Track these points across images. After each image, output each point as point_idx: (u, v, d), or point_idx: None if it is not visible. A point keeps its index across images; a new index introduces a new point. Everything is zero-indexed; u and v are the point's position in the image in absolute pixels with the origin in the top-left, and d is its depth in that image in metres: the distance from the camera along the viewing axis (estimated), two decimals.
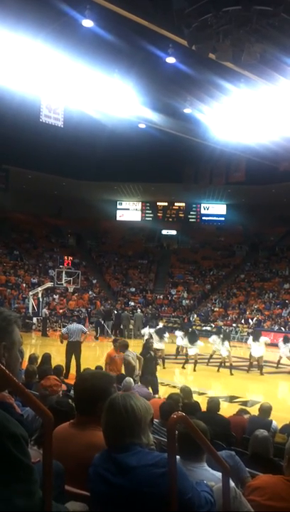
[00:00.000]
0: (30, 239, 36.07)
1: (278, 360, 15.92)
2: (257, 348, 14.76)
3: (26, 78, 16.41)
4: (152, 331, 16.12)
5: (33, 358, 8.64)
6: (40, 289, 26.81)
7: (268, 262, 34.70)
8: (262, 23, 9.48)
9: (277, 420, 6.37)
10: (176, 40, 13.09)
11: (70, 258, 28.13)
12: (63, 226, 38.76)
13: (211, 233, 38.99)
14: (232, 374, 14.40)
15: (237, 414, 6.58)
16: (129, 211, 40.24)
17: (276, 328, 25.83)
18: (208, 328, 25.79)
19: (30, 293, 26.69)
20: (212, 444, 2.56)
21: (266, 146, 21.37)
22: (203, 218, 39.77)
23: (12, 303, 27.26)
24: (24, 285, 29.73)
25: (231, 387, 12.97)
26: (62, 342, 13.01)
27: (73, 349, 12.26)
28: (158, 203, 39.78)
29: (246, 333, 24.65)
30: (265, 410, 6.25)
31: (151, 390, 9.32)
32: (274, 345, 17.35)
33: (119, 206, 40.08)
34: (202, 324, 28.20)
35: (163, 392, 9.82)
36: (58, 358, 11.60)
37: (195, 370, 14.79)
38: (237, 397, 11.25)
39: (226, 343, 14.92)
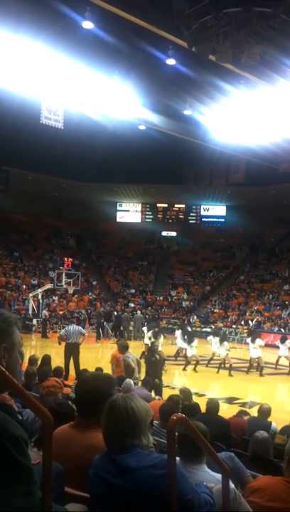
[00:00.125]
0: (30, 240, 36.07)
1: (277, 361, 15.93)
2: (253, 350, 14.90)
3: (26, 80, 16.42)
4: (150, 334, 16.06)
5: (32, 360, 8.63)
6: (40, 290, 26.80)
7: (268, 264, 34.70)
8: (262, 25, 9.48)
9: (277, 421, 6.37)
10: (176, 42, 13.10)
11: (70, 259, 28.15)
12: (63, 227, 38.78)
13: (211, 234, 39.00)
14: (231, 375, 14.40)
15: (236, 415, 6.58)
16: (129, 212, 40.25)
17: (276, 329, 25.83)
18: (208, 330, 25.75)
19: (30, 294, 26.68)
20: (212, 446, 2.56)
21: (266, 148, 21.39)
22: (203, 220, 39.77)
23: (12, 304, 27.25)
24: (24, 287, 29.71)
25: (230, 388, 12.97)
26: (60, 343, 13.01)
27: (71, 351, 12.25)
28: (158, 205, 39.79)
29: (246, 335, 24.63)
30: (264, 412, 6.24)
31: (153, 393, 9.29)
32: (273, 346, 17.36)
33: (119, 208, 40.09)
34: (202, 326, 28.20)
35: (163, 394, 9.81)
36: (58, 360, 11.60)
37: (195, 370, 14.78)
38: (237, 399, 11.24)
39: (225, 343, 14.96)
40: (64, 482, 2.01)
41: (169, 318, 30.49)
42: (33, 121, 18.97)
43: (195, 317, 30.44)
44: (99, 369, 8.20)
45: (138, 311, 28.58)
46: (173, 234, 40.18)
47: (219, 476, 2.40)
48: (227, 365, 14.81)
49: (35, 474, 1.40)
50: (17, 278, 30.60)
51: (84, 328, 23.95)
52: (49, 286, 27.41)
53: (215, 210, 39.32)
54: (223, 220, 39.26)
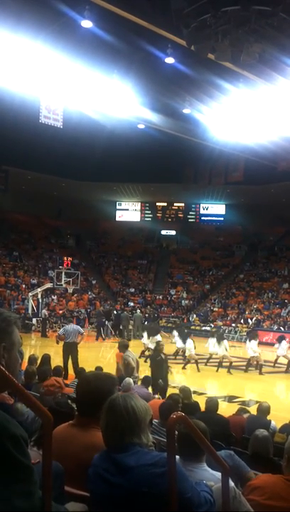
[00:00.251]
0: (29, 240, 36.06)
1: (276, 360, 15.96)
2: (249, 350, 14.99)
3: (26, 79, 16.41)
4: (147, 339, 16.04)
5: (32, 359, 8.64)
6: (39, 289, 26.82)
7: (267, 262, 34.72)
8: (261, 23, 9.49)
9: (276, 420, 6.38)
10: (175, 41, 13.09)
11: (70, 259, 28.18)
12: (63, 227, 38.77)
13: (210, 233, 39.00)
14: (230, 373, 14.43)
15: (236, 413, 6.58)
16: (129, 211, 40.23)
17: (276, 327, 25.85)
18: (207, 329, 25.78)
19: (30, 294, 26.69)
20: (212, 444, 2.56)
21: (265, 146, 21.39)
22: (202, 218, 39.75)
23: (12, 304, 27.25)
24: (24, 286, 29.71)
25: (230, 386, 12.98)
26: (57, 343, 13.00)
27: (70, 350, 12.26)
28: (158, 204, 39.78)
29: (245, 333, 24.66)
30: (264, 410, 6.25)
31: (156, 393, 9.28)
32: (273, 344, 17.38)
33: (118, 207, 40.07)
34: (202, 324, 28.21)
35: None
36: (58, 359, 11.59)
37: (198, 370, 14.76)
38: (236, 397, 11.25)
39: (224, 343, 14.98)
40: (64, 481, 2.01)
41: (169, 317, 30.50)
42: (32, 120, 18.98)
43: (195, 316, 30.45)
44: (99, 368, 8.20)
45: (138, 310, 28.59)
46: (173, 233, 40.18)
47: (219, 474, 2.40)
48: (227, 363, 14.82)
49: (35, 473, 1.40)
50: (16, 277, 30.61)
51: (83, 327, 24.08)
52: (48, 285, 27.42)
53: (214, 209, 39.31)
54: (222, 218, 39.25)
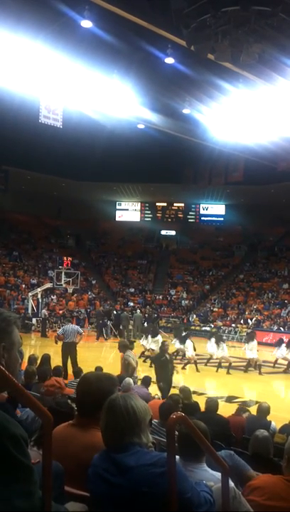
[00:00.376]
0: (29, 240, 36.06)
1: (275, 361, 15.98)
2: (248, 352, 15.00)
3: (25, 79, 16.41)
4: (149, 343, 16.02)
5: (32, 359, 8.64)
6: (39, 289, 26.82)
7: (267, 262, 34.72)
8: (261, 24, 9.48)
9: (276, 420, 6.38)
10: (175, 41, 13.09)
11: (70, 259, 28.15)
12: (62, 227, 38.76)
13: (210, 233, 39.00)
14: (229, 373, 14.43)
15: (235, 413, 6.57)
16: (128, 211, 40.23)
17: (276, 328, 25.85)
18: (207, 329, 25.78)
19: (30, 294, 26.69)
20: (212, 445, 2.56)
21: (265, 146, 21.40)
22: (202, 218, 39.76)
23: (11, 304, 27.26)
24: (23, 286, 29.72)
25: (230, 387, 12.99)
26: (56, 343, 13.01)
27: (68, 350, 12.27)
28: (157, 204, 39.78)
29: (245, 333, 24.67)
30: (264, 410, 6.25)
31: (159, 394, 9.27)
32: (272, 345, 17.41)
33: (118, 207, 40.07)
34: (202, 325, 28.21)
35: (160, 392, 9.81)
36: (57, 359, 11.60)
37: (197, 370, 14.76)
38: (236, 397, 11.25)
39: (222, 346, 14.97)
40: (64, 481, 2.01)
41: (168, 317, 30.51)
42: (32, 120, 18.97)
43: (195, 316, 30.45)
44: (99, 368, 8.21)
45: (138, 310, 28.59)
46: (172, 233, 40.18)
47: (218, 474, 2.40)
48: (226, 364, 14.82)
49: (35, 473, 1.40)
50: (16, 277, 30.61)
51: (83, 327, 24.07)
52: (48, 285, 27.42)
53: (214, 209, 39.32)
54: (222, 218, 39.26)
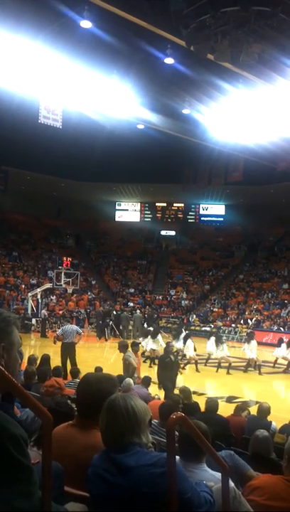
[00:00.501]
0: (29, 240, 36.06)
1: (275, 361, 15.98)
2: (248, 351, 14.97)
3: (25, 79, 16.41)
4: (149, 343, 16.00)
5: (32, 359, 8.64)
6: (39, 290, 26.81)
7: (267, 262, 34.72)
8: (260, 24, 9.49)
9: (276, 420, 6.38)
10: (174, 41, 13.10)
11: (69, 259, 28.14)
12: (62, 227, 38.76)
13: (210, 234, 39.00)
14: (229, 373, 14.43)
15: (235, 413, 6.55)
16: (128, 212, 40.24)
17: (275, 328, 25.84)
18: (207, 329, 25.77)
19: (29, 294, 26.68)
20: (212, 445, 2.56)
21: (265, 147, 21.40)
22: (202, 219, 39.76)
23: (11, 304, 27.25)
24: (23, 286, 29.71)
25: (230, 387, 12.98)
26: (55, 343, 13.00)
27: (68, 350, 12.27)
28: (157, 204, 39.78)
29: (245, 334, 24.68)
30: (264, 410, 6.24)
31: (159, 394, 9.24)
32: (272, 345, 17.41)
33: (117, 207, 40.07)
34: (202, 325, 28.20)
35: (164, 393, 9.80)
36: (57, 359, 11.60)
37: (197, 370, 14.74)
38: (236, 397, 11.24)
39: (222, 346, 14.95)
40: (63, 481, 2.01)
41: (168, 317, 30.51)
42: (31, 120, 18.98)
43: (195, 316, 30.45)
44: (98, 368, 8.20)
45: (138, 311, 28.59)
46: (172, 233, 40.18)
47: (219, 475, 2.40)
48: (226, 364, 14.80)
49: (35, 474, 1.40)
50: (16, 277, 30.60)
51: (83, 327, 24.06)
52: (48, 285, 27.41)
53: (214, 209, 39.32)
54: (222, 219, 39.27)
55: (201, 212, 39.67)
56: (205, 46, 10.27)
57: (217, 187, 31.66)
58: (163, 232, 40.22)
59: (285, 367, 15.58)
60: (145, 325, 22.96)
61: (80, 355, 12.66)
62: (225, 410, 6.91)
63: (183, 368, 15.08)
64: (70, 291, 27.33)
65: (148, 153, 26.45)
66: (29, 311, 25.65)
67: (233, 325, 28.00)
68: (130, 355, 9.61)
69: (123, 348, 9.74)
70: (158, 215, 40.14)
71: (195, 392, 9.83)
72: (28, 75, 16.16)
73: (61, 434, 2.25)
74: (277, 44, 11.18)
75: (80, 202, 36.30)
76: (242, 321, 28.30)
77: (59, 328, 16.62)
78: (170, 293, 34.34)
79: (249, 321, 27.78)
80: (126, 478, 1.72)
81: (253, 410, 7.04)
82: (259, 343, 16.25)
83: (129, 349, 9.86)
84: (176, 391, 8.43)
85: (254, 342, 15.16)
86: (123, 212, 40.23)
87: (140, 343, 12.85)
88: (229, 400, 10.94)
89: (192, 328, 26.06)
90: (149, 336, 15.85)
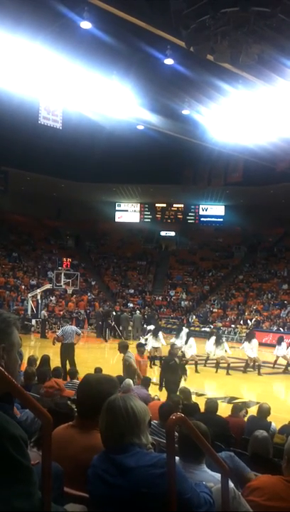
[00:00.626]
0: (29, 241, 36.06)
1: (275, 361, 15.97)
2: (249, 350, 14.94)
3: (25, 80, 16.42)
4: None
5: (32, 360, 8.63)
6: (39, 290, 26.79)
7: (266, 263, 34.73)
8: (260, 24, 9.49)
9: (276, 420, 6.38)
10: (174, 42, 13.10)
11: (69, 260, 28.13)
12: (62, 228, 38.76)
13: (209, 234, 39.01)
14: (228, 374, 14.42)
15: (232, 414, 6.54)
16: (128, 212, 40.24)
17: (275, 328, 25.85)
18: (207, 330, 25.76)
19: (29, 295, 26.66)
20: (212, 446, 2.56)
21: (264, 147, 21.40)
22: (202, 219, 39.77)
23: (11, 305, 27.24)
24: (23, 287, 29.70)
25: (229, 387, 12.98)
26: (54, 344, 12.98)
27: (67, 351, 12.27)
28: (157, 205, 39.79)
29: (244, 334, 24.67)
30: (264, 411, 6.24)
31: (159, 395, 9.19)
32: (272, 345, 17.40)
33: (117, 208, 40.07)
34: (201, 325, 28.20)
35: (164, 394, 9.79)
36: (57, 360, 11.60)
37: (197, 371, 14.73)
38: (236, 398, 11.24)
39: (224, 344, 14.94)
40: (63, 482, 2.01)
41: (168, 318, 30.50)
42: (31, 121, 18.99)
43: (194, 317, 30.45)
44: (98, 369, 8.20)
45: (137, 311, 28.58)
46: (172, 234, 40.18)
47: (218, 476, 2.40)
48: (225, 365, 14.78)
49: (35, 474, 1.40)
50: (16, 278, 30.60)
51: (82, 328, 24.05)
52: (48, 286, 27.39)
53: (214, 210, 39.33)
54: (222, 219, 39.27)
55: (201, 212, 39.68)
56: (204, 47, 10.27)
57: (217, 188, 31.69)
58: (162, 233, 40.22)
59: (284, 367, 15.57)
60: (145, 325, 22.97)
61: (80, 356, 12.65)
62: (225, 411, 6.91)
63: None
64: (69, 291, 27.31)
65: (148, 153, 26.47)
66: (29, 312, 25.63)
67: (233, 325, 28.01)
68: (130, 356, 9.59)
69: (123, 348, 9.72)
70: (157, 215, 40.15)
71: (194, 393, 9.83)
72: (28, 75, 16.17)
73: (61, 435, 2.25)
74: (277, 45, 11.19)
75: (80, 202, 36.30)
76: (241, 322, 28.31)
77: (59, 329, 16.61)
78: (170, 293, 34.34)
79: (248, 321, 27.79)
80: (126, 479, 1.72)
81: (253, 411, 7.04)
82: (259, 344, 16.23)
83: (129, 350, 9.84)
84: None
85: (255, 341, 15.12)
86: (123, 212, 40.24)
87: (145, 344, 12.76)
88: (230, 400, 10.94)
89: (192, 328, 26.02)
90: (150, 335, 15.77)
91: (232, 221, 37.96)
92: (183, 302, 32.92)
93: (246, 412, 6.80)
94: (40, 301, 26.33)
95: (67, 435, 2.26)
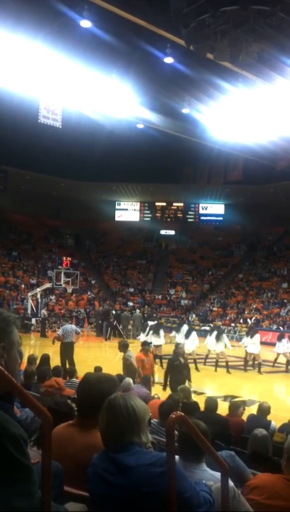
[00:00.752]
0: (28, 240, 36.05)
1: (276, 358, 15.96)
2: (251, 346, 14.89)
3: (24, 79, 16.40)
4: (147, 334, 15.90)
5: (31, 359, 8.63)
6: (38, 289, 26.80)
7: (266, 262, 34.73)
8: (260, 23, 9.48)
9: (276, 419, 6.38)
10: (174, 40, 13.09)
11: (69, 259, 28.10)
12: (62, 227, 38.75)
13: (209, 233, 38.99)
14: (229, 372, 14.43)
15: (231, 413, 6.53)
16: (128, 211, 40.22)
17: (275, 327, 25.86)
18: (207, 328, 25.76)
19: (29, 294, 26.67)
20: (212, 444, 2.56)
21: (264, 146, 21.39)
22: (201, 218, 39.75)
23: (11, 304, 27.24)
24: (23, 286, 29.70)
25: (229, 386, 12.98)
26: (54, 343, 12.98)
27: (67, 350, 12.27)
28: (157, 203, 39.76)
29: (244, 333, 24.66)
30: (264, 410, 6.24)
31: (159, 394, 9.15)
32: (271, 344, 17.40)
33: (117, 206, 40.04)
34: (201, 324, 28.20)
35: (163, 392, 9.79)
36: (57, 359, 11.60)
37: (197, 369, 14.69)
38: (236, 397, 11.25)
39: (224, 338, 14.87)
40: (63, 481, 2.01)
41: (168, 316, 30.49)
42: (31, 120, 18.98)
43: (194, 315, 30.45)
44: (98, 368, 8.20)
45: (137, 310, 28.59)
46: (172, 232, 40.16)
47: (218, 475, 2.40)
48: (223, 363, 14.75)
49: (35, 473, 1.40)
50: (16, 277, 30.59)
51: (82, 327, 24.06)
52: (48, 285, 27.39)
53: (214, 209, 39.31)
54: (221, 218, 39.25)
55: (201, 211, 39.65)
56: (204, 45, 10.27)
57: (217, 186, 31.67)
58: (162, 232, 40.20)
59: (285, 366, 15.56)
60: (145, 322, 22.94)
61: (80, 354, 12.66)
62: (225, 410, 6.91)
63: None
64: (69, 290, 27.32)
65: (147, 152, 26.46)
66: (29, 311, 25.65)
67: (232, 324, 28.02)
68: (131, 355, 9.58)
69: (123, 347, 9.71)
70: (157, 214, 40.13)
71: (194, 392, 9.83)
72: (28, 74, 16.16)
73: (61, 433, 2.25)
74: (276, 43, 11.18)
75: (80, 202, 36.27)
76: (241, 321, 28.32)
77: (58, 328, 16.62)
78: (170, 292, 34.34)
79: (248, 320, 27.79)
80: (126, 478, 1.72)
81: (253, 410, 7.04)
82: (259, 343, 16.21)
83: (130, 349, 9.83)
84: (168, 390, 8.42)
85: (257, 336, 15.08)
86: (122, 211, 40.22)
87: (151, 342, 12.68)
88: (229, 399, 10.94)
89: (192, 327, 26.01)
90: (151, 332, 15.68)
91: (231, 220, 37.94)
92: (182, 301, 32.92)
93: (244, 410, 6.80)
94: (40, 300, 26.34)
95: (67, 434, 2.26)
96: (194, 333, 14.97)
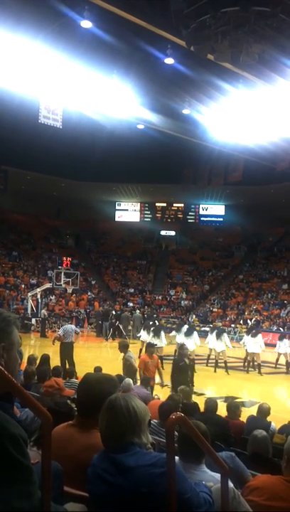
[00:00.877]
0: (28, 240, 36.06)
1: (277, 359, 15.94)
2: (253, 345, 14.87)
3: (25, 79, 16.40)
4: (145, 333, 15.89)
5: (31, 359, 8.63)
6: (38, 290, 26.81)
7: (266, 263, 34.72)
8: (260, 24, 9.48)
9: (276, 420, 6.38)
10: (175, 41, 13.10)
11: (69, 259, 28.12)
12: (62, 227, 38.76)
13: (210, 234, 39.00)
14: (227, 373, 14.41)
15: (229, 414, 6.51)
16: (128, 212, 40.23)
17: (275, 328, 25.86)
18: (207, 329, 25.74)
19: (29, 294, 26.67)
20: (212, 445, 2.56)
21: (264, 147, 21.39)
22: (202, 219, 39.77)
23: (11, 304, 27.24)
24: (23, 286, 29.71)
25: (229, 387, 12.97)
26: (54, 343, 12.97)
27: (67, 351, 12.27)
28: (157, 204, 39.78)
29: (244, 334, 24.64)
30: (264, 411, 6.24)
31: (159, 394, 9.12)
32: (272, 345, 17.39)
33: (117, 207, 40.07)
34: (201, 325, 28.18)
35: (163, 393, 9.78)
36: (57, 359, 11.61)
37: (194, 371, 14.68)
38: (236, 398, 11.22)
39: (225, 337, 14.84)
40: (63, 481, 2.01)
41: (168, 317, 30.49)
42: (31, 120, 18.97)
43: (194, 316, 30.43)
44: (98, 368, 8.20)
45: (137, 311, 28.59)
46: (172, 233, 40.18)
47: (218, 476, 2.40)
48: (223, 364, 14.73)
49: (35, 474, 1.40)
50: (16, 277, 30.60)
51: (82, 327, 24.05)
52: (48, 285, 27.40)
53: (214, 210, 39.32)
54: (222, 219, 39.27)
55: (201, 212, 39.67)
56: (205, 46, 10.26)
57: (217, 187, 31.66)
58: (162, 233, 40.22)
59: (286, 367, 15.55)
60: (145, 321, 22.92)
61: (80, 355, 12.66)
62: (225, 411, 6.90)
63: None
64: (69, 291, 27.32)
65: (148, 153, 26.46)
66: (29, 311, 25.65)
67: (232, 325, 28.01)
68: (131, 356, 9.58)
69: (123, 348, 9.71)
70: (157, 215, 40.14)
71: (194, 393, 9.82)
72: (28, 74, 16.16)
73: (61, 434, 2.25)
74: (277, 44, 11.17)
75: (80, 202, 36.28)
76: (241, 322, 28.30)
77: (58, 328, 16.61)
78: (170, 293, 34.33)
79: (248, 321, 27.78)
80: (126, 479, 1.72)
81: (253, 411, 7.04)
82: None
83: (130, 350, 9.82)
84: (168, 390, 8.41)
85: (260, 336, 15.06)
86: (123, 212, 40.23)
87: (156, 344, 12.64)
88: (229, 400, 10.92)
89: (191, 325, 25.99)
90: (151, 334, 15.66)
91: (232, 221, 37.95)
92: (182, 302, 32.91)
93: (240, 411, 6.78)
94: (40, 300, 26.34)
95: (66, 434, 2.26)
96: (195, 333, 14.95)
